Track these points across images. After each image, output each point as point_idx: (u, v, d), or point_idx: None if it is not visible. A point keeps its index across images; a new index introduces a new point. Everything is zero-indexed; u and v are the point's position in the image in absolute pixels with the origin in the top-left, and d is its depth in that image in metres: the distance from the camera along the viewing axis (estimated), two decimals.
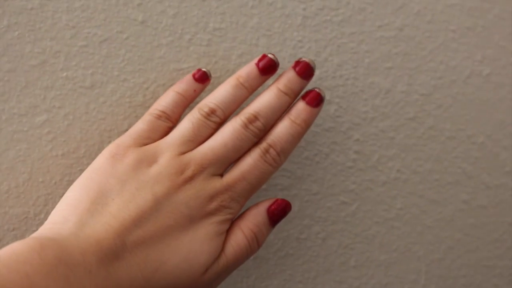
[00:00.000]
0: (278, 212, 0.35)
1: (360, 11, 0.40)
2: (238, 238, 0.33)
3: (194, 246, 0.31)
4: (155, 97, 0.38)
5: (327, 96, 0.40)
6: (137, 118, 0.37)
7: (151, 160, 0.33)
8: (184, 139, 0.33)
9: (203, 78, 0.36)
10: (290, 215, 0.40)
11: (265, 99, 0.34)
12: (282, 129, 0.34)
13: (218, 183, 0.33)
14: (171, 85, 0.38)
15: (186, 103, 0.35)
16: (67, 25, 0.36)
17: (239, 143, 0.33)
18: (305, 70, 0.35)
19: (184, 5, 0.38)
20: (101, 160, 0.33)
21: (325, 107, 0.40)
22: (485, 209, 0.43)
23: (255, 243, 0.34)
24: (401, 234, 0.42)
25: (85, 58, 0.37)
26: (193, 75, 0.36)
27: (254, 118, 0.34)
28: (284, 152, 0.34)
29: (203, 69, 0.36)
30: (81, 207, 0.31)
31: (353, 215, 0.41)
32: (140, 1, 0.37)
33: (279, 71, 0.37)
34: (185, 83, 0.36)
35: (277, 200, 0.35)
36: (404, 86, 0.41)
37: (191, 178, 0.32)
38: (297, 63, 0.36)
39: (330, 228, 0.41)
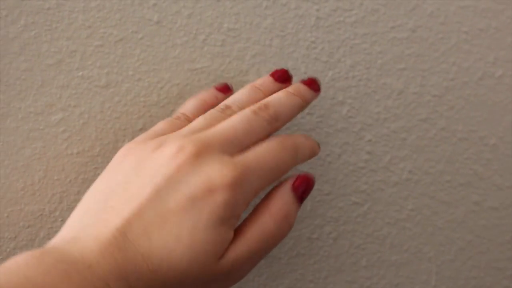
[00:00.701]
0: (303, 187, 0.33)
1: (373, 12, 0.40)
2: (264, 221, 0.32)
3: (197, 235, 0.29)
4: (169, 96, 0.38)
5: (340, 97, 0.40)
6: (152, 117, 0.38)
7: (155, 149, 0.31)
8: (194, 130, 0.32)
9: (225, 89, 0.37)
10: (301, 214, 0.40)
11: (276, 96, 0.35)
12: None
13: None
14: (185, 85, 0.38)
15: (207, 108, 0.35)
16: (83, 24, 0.37)
17: (249, 127, 0.32)
18: (310, 83, 0.37)
19: (198, 5, 0.38)
20: (113, 160, 0.33)
21: (337, 107, 0.40)
22: (496, 211, 0.43)
23: (286, 224, 0.32)
24: (412, 235, 0.42)
25: (101, 58, 0.37)
26: (215, 87, 0.37)
27: (264, 107, 0.33)
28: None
29: (225, 82, 0.38)
30: (85, 209, 0.30)
31: (365, 216, 0.41)
32: (155, 1, 0.38)
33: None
34: (207, 91, 0.37)
35: (299, 175, 0.34)
36: (417, 87, 0.41)
37: (192, 156, 0.30)
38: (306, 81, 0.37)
39: (342, 228, 0.41)
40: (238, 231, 0.31)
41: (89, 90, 0.37)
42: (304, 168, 0.40)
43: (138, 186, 0.29)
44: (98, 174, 0.38)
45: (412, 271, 0.42)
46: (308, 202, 0.40)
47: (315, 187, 0.40)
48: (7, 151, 0.37)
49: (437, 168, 0.42)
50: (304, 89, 0.36)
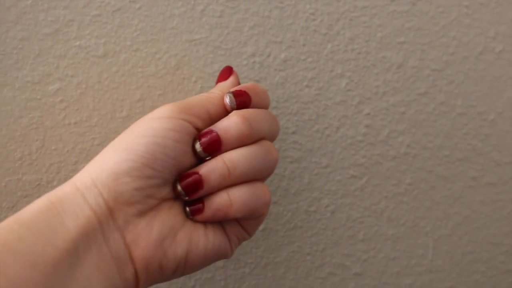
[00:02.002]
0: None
1: None
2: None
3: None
4: (167, 67, 0.38)
5: (339, 70, 0.40)
6: (149, 87, 0.38)
7: None
8: None
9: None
10: (299, 187, 0.40)
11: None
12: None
13: None
14: (183, 56, 0.38)
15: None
16: None
17: None
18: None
19: None
20: None
21: (336, 80, 0.40)
22: (494, 187, 0.43)
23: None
24: (410, 209, 0.42)
25: (98, 27, 0.37)
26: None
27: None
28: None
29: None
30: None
31: (362, 189, 0.41)
32: None
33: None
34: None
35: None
36: (416, 61, 0.41)
37: None
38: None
39: (339, 201, 0.41)
40: None
41: (87, 60, 0.37)
42: (302, 140, 0.40)
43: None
44: (96, 145, 0.38)
45: (409, 245, 0.43)
46: (305, 175, 0.40)
47: (313, 159, 0.40)
48: (4, 120, 0.37)
49: (435, 143, 0.42)
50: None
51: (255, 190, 0.30)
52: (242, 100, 0.31)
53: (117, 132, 0.38)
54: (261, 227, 0.41)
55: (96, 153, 0.38)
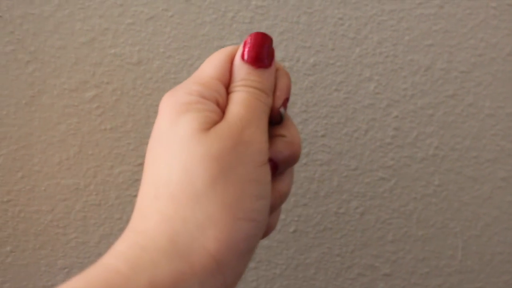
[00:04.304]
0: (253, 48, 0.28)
1: None
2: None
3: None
4: None
5: (367, 73, 0.40)
6: None
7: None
8: None
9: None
10: (329, 190, 0.41)
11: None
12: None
13: None
14: None
15: None
16: (115, 3, 0.38)
17: None
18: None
19: None
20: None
21: (364, 84, 0.40)
22: None
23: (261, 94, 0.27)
24: (439, 210, 0.43)
25: (132, 35, 0.38)
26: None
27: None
28: None
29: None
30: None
31: (391, 191, 0.42)
32: None
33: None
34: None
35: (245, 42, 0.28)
36: (444, 63, 0.41)
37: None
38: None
39: (368, 203, 0.42)
40: None
41: (122, 67, 0.38)
42: (331, 143, 0.41)
43: None
44: (131, 149, 0.39)
45: (438, 246, 0.43)
46: (335, 177, 0.41)
47: (343, 162, 0.41)
48: (43, 126, 0.38)
49: (463, 144, 0.42)
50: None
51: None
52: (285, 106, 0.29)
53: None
54: (291, 228, 0.41)
55: (131, 157, 0.39)
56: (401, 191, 0.42)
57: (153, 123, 0.38)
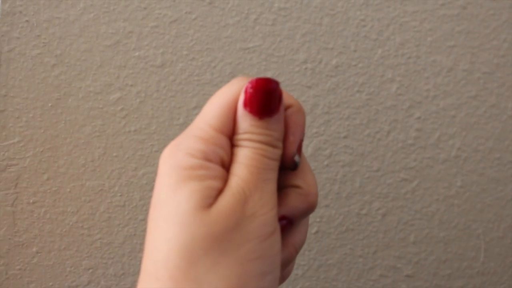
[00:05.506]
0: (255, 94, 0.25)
1: None
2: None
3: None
4: (222, 75, 0.39)
5: (389, 74, 0.40)
6: (205, 95, 0.39)
7: None
8: None
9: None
10: (351, 191, 0.41)
11: None
12: None
13: None
14: (238, 64, 0.39)
15: None
16: (139, 6, 0.38)
17: None
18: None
19: None
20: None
21: (386, 85, 0.40)
22: None
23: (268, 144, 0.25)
24: (461, 212, 0.42)
25: (156, 38, 0.38)
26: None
27: None
28: None
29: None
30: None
31: (413, 192, 0.42)
32: None
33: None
34: None
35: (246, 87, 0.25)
36: (467, 64, 0.41)
37: None
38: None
39: (391, 204, 0.42)
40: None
41: (145, 69, 0.39)
42: (353, 144, 0.41)
43: None
44: (155, 151, 0.39)
45: (461, 248, 0.43)
46: (357, 179, 0.41)
47: (365, 163, 0.41)
48: (68, 129, 0.38)
49: (486, 145, 0.42)
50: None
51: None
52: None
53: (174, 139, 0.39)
54: (313, 230, 0.41)
55: (155, 159, 0.39)
56: (423, 193, 0.42)
57: (176, 125, 0.39)
